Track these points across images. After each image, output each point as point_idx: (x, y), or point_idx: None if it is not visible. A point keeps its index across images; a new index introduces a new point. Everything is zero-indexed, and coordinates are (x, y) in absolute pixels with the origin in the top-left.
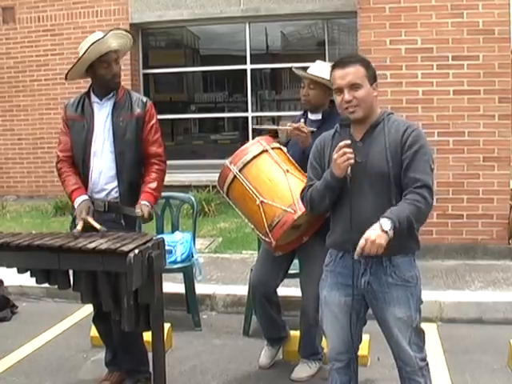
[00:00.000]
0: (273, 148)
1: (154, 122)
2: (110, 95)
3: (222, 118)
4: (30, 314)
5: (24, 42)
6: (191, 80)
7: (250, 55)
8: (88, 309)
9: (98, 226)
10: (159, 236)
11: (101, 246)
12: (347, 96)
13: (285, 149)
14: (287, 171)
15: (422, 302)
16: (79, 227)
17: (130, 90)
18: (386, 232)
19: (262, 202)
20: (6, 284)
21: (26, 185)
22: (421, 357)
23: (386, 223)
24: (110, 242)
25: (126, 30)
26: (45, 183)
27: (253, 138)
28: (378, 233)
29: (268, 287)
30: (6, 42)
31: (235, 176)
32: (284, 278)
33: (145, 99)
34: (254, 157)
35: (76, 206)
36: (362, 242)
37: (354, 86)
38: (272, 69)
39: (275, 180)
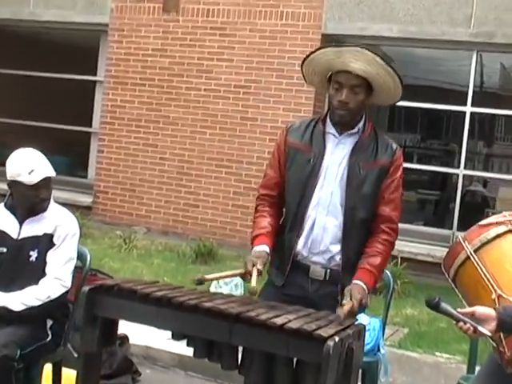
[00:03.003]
0: None
1: (397, 176)
2: (354, 130)
3: (414, 170)
4: None
5: (185, 40)
6: (375, 113)
7: (473, 94)
8: None
9: (254, 283)
10: (360, 322)
11: (291, 323)
12: None
13: None
14: None
15: None
16: (253, 282)
17: (377, 128)
18: None
19: (499, 296)
20: (130, 341)
21: (162, 217)
22: None
23: None
24: (301, 320)
25: (392, 69)
26: (185, 219)
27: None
28: None
29: None
30: (162, 36)
31: (468, 257)
32: None
33: (394, 145)
34: (498, 236)
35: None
36: None
37: None
38: (491, 115)
39: None
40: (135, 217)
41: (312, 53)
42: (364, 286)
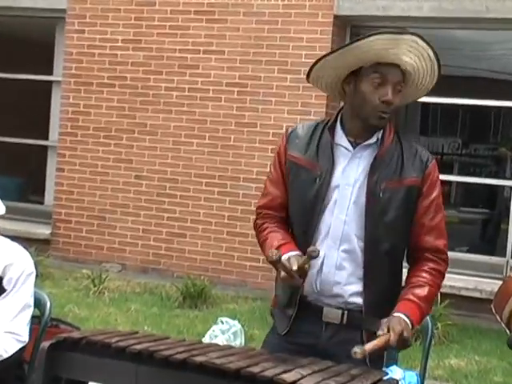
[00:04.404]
0: None
1: (435, 194)
2: (372, 140)
3: (455, 183)
4: None
5: (164, 28)
6: (403, 112)
7: None
8: None
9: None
10: (391, 376)
11: (304, 380)
12: None
13: None
14: None
15: None
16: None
17: (401, 133)
18: None
19: None
20: None
21: (139, 250)
22: None
23: None
24: (317, 376)
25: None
26: (169, 252)
27: None
28: None
29: None
30: (135, 24)
31: None
32: None
33: (425, 155)
34: None
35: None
36: None
37: None
38: None
39: None
40: (106, 251)
41: (360, 39)
42: (406, 319)
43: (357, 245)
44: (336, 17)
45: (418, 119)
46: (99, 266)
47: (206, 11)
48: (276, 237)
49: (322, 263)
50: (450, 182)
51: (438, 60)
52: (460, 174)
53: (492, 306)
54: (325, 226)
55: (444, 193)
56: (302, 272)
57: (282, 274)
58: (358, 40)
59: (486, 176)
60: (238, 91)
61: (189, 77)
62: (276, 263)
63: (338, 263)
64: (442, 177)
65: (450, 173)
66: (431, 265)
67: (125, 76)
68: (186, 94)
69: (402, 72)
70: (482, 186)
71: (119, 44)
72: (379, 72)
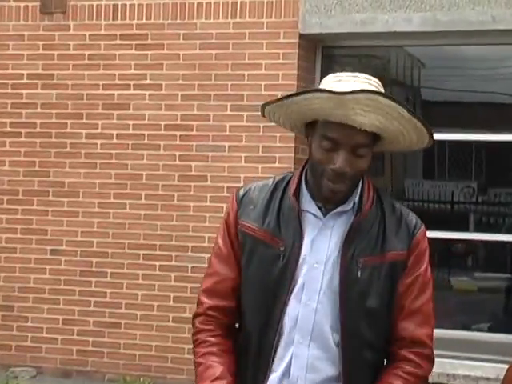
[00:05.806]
0: None
1: (422, 269)
2: (347, 207)
3: (470, 242)
4: None
5: (82, 58)
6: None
7: None
8: None
9: None
10: None
11: None
12: None
13: None
14: None
15: None
16: None
17: (384, 194)
18: None
19: None
20: None
21: (59, 348)
22: None
23: None
24: None
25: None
26: (99, 347)
27: None
28: None
29: None
30: (44, 54)
31: None
32: None
33: (413, 221)
34: None
35: None
36: None
37: None
38: None
39: None
40: (15, 351)
41: (289, 96)
42: None
43: (332, 339)
44: (302, 36)
45: (421, 160)
46: (6, 373)
47: (135, 35)
48: (211, 370)
49: (290, 365)
50: (463, 242)
51: (417, 118)
52: (477, 229)
53: None
54: (290, 317)
55: (458, 254)
56: None
57: None
58: (296, 95)
59: (510, 231)
60: (180, 136)
61: (117, 119)
62: None
63: (309, 364)
64: (455, 235)
65: (465, 228)
66: (407, 367)
67: (33, 122)
68: (114, 141)
69: (367, 133)
70: (503, 244)
71: (24, 81)
72: (328, 135)
